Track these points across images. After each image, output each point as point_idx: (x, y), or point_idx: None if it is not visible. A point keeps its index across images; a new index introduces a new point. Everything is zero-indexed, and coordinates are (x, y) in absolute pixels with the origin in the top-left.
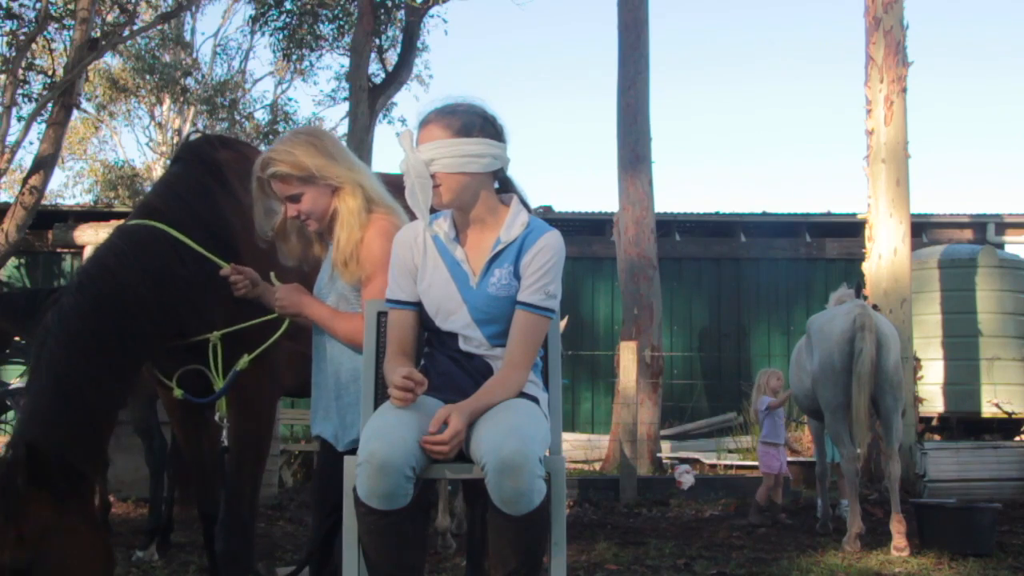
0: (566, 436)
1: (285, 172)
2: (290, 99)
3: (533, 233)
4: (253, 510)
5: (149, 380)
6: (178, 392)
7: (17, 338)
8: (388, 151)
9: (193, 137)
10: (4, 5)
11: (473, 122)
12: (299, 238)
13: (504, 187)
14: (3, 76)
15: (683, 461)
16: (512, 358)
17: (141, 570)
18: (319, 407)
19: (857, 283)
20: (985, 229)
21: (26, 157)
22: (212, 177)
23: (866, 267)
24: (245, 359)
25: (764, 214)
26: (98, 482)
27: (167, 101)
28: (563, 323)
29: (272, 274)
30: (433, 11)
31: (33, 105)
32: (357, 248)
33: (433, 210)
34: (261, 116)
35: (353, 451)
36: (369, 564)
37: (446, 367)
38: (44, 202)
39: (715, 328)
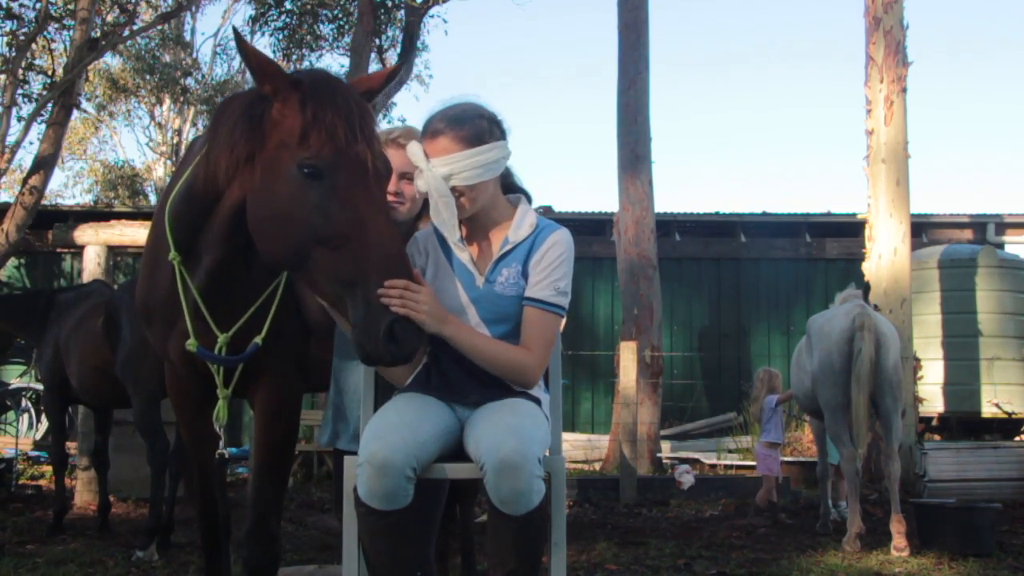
0: (566, 436)
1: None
2: None
3: (543, 232)
4: (279, 517)
5: (153, 379)
6: (192, 344)
7: (18, 339)
8: None
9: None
10: (4, 5)
11: (481, 127)
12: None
13: (503, 178)
14: (3, 76)
15: (683, 461)
16: (526, 345)
17: (141, 570)
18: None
19: (864, 285)
20: (985, 229)
21: (26, 157)
22: None
23: (866, 267)
24: (257, 339)
25: (764, 214)
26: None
27: (167, 101)
28: (562, 322)
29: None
30: (433, 11)
31: (33, 105)
32: None
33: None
34: None
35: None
36: (369, 564)
37: (446, 367)
38: (44, 202)
39: (715, 328)
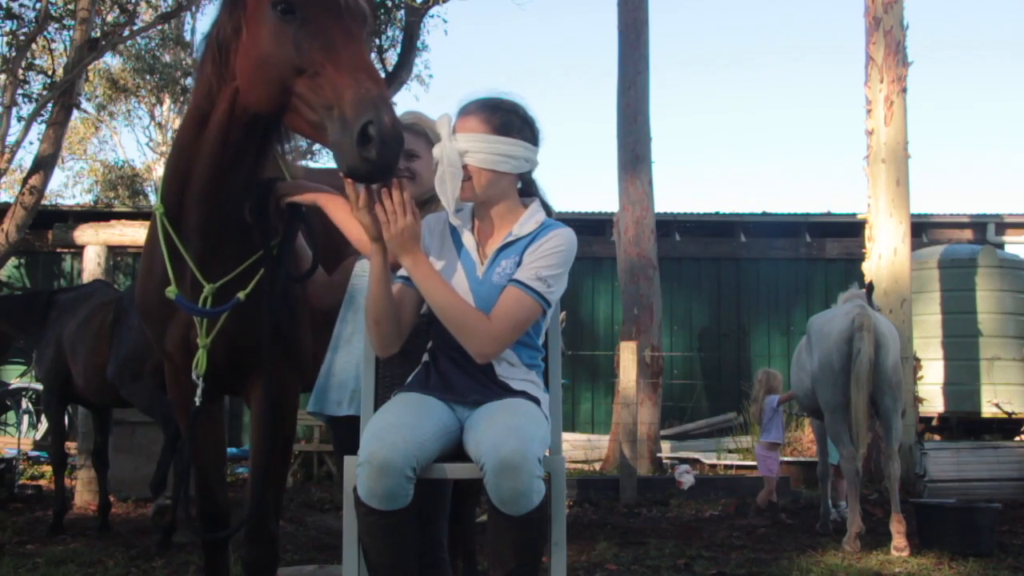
0: (566, 436)
1: (420, 129)
2: None
3: (547, 229)
4: (278, 517)
5: (153, 377)
6: (171, 292)
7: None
8: None
9: None
10: (4, 5)
11: (512, 122)
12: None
13: (527, 188)
14: (3, 76)
15: (683, 461)
16: (489, 316)
17: (141, 570)
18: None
19: (868, 285)
20: (985, 229)
21: (26, 157)
22: None
23: (866, 267)
24: (240, 294)
25: (764, 214)
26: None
27: (167, 101)
28: (561, 317)
29: None
30: (433, 11)
31: (33, 105)
32: None
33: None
34: None
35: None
36: (369, 564)
37: (445, 367)
38: (44, 202)
39: (715, 328)
